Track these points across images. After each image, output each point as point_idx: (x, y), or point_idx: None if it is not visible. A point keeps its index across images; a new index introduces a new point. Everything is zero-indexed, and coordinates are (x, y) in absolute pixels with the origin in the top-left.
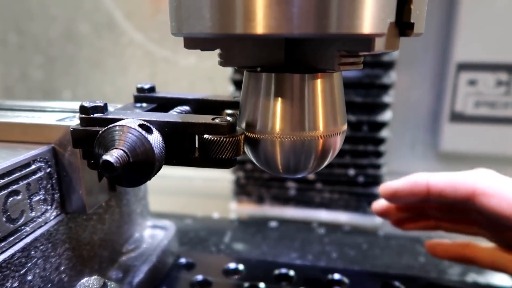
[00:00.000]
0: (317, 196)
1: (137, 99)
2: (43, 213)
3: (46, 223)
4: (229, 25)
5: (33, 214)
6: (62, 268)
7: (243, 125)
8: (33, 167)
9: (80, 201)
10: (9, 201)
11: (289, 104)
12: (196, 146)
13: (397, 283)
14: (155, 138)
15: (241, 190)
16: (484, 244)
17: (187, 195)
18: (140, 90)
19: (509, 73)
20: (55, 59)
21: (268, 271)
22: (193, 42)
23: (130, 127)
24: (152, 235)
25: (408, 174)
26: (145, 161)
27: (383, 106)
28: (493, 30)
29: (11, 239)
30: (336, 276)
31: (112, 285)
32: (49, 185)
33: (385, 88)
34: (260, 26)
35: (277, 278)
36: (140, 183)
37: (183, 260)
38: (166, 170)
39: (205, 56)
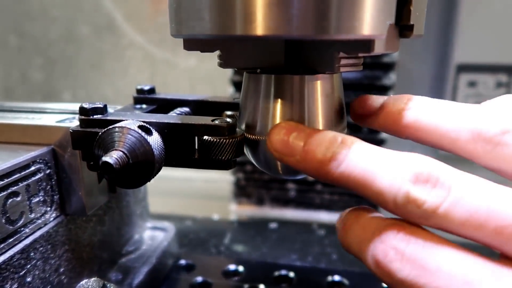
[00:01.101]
0: (317, 198)
1: (137, 101)
2: (42, 215)
3: (45, 224)
4: (228, 27)
5: (32, 215)
6: (62, 269)
7: (243, 126)
8: (32, 168)
9: (79, 203)
10: (8, 202)
11: (288, 105)
12: (196, 147)
13: None
14: (155, 140)
15: (241, 192)
16: None
17: (187, 197)
18: (140, 91)
19: (509, 75)
20: (55, 60)
21: (268, 272)
22: (193, 44)
23: (130, 129)
24: (152, 236)
25: None
26: (145, 163)
27: None
28: (493, 31)
29: (10, 240)
30: (336, 277)
31: (112, 287)
32: (49, 187)
33: (385, 89)
34: (259, 28)
35: (277, 280)
36: (140, 185)
37: (183, 262)
38: (166, 172)
39: (205, 58)
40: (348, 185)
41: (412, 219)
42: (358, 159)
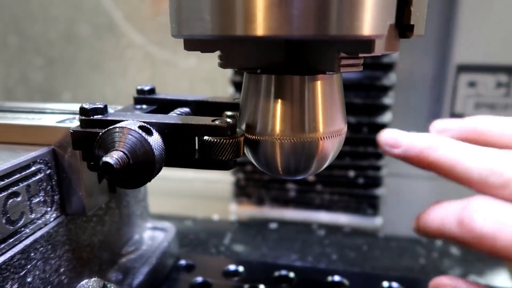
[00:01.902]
0: (317, 198)
1: (137, 101)
2: (43, 215)
3: (46, 224)
4: (229, 27)
5: (33, 215)
6: (62, 270)
7: (243, 126)
8: (33, 168)
9: (80, 203)
10: (9, 202)
11: (289, 105)
12: (196, 147)
13: (397, 285)
14: (155, 140)
15: (241, 192)
16: None
17: (187, 197)
18: (140, 91)
19: (509, 75)
20: (55, 60)
21: (268, 272)
22: (193, 44)
23: (130, 129)
24: (152, 236)
25: (408, 176)
26: (145, 163)
27: (383, 108)
28: (493, 31)
29: (10, 240)
30: (336, 278)
31: (112, 287)
32: (49, 187)
33: (385, 89)
34: (260, 28)
35: (277, 280)
36: (140, 185)
37: (183, 262)
38: (166, 172)
39: (205, 58)
40: (442, 167)
41: (492, 189)
42: (451, 146)
